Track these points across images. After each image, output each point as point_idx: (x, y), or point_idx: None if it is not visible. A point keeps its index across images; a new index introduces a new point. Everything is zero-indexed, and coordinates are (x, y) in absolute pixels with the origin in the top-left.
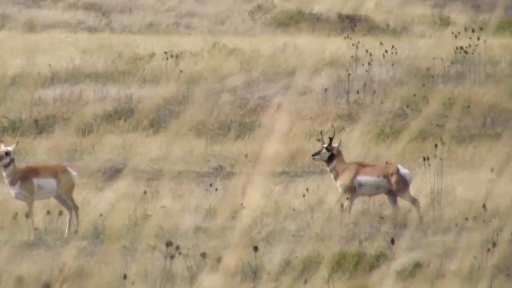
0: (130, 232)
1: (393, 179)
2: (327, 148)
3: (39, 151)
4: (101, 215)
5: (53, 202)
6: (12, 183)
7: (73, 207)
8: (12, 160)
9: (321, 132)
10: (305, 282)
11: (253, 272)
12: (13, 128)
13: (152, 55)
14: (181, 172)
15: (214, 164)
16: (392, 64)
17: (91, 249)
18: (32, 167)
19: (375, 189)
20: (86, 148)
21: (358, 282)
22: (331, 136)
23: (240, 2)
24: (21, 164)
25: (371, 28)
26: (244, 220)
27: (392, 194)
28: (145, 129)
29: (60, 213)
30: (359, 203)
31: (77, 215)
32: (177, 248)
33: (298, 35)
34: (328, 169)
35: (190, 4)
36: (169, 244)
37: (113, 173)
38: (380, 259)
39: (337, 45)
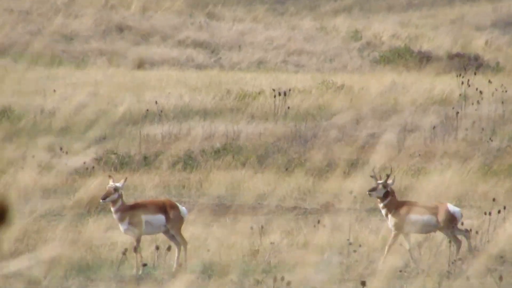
0: (237, 267)
1: (442, 217)
2: (383, 185)
3: (147, 187)
4: (208, 250)
5: (161, 237)
6: (121, 219)
7: (182, 243)
8: (120, 196)
9: (373, 170)
10: None
11: None
12: (122, 164)
13: (261, 92)
14: (288, 208)
15: (322, 200)
16: (502, 102)
17: (199, 284)
18: (140, 202)
19: (425, 227)
20: (193, 184)
21: None
22: (388, 174)
23: (348, 39)
24: (130, 200)
25: (481, 66)
26: (351, 255)
27: (447, 232)
28: (253, 165)
29: (169, 248)
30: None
31: (185, 251)
32: (287, 283)
33: (407, 72)
34: (380, 206)
35: (299, 42)
36: (276, 279)
37: (220, 209)
38: None
39: (446, 83)
